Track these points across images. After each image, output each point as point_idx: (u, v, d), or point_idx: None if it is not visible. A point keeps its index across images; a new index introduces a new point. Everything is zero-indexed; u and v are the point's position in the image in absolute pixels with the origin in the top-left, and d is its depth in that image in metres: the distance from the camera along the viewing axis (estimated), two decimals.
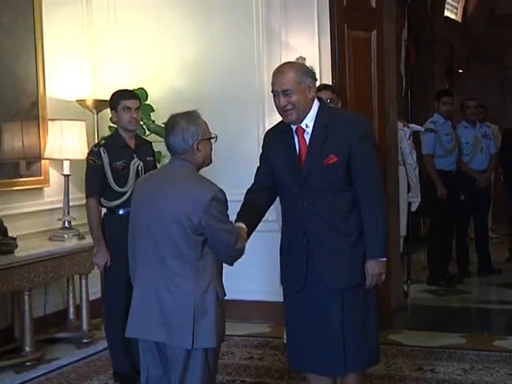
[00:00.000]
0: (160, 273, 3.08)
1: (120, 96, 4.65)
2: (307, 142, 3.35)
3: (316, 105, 3.38)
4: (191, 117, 3.15)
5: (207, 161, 3.22)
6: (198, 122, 3.13)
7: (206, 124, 3.20)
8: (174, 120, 3.15)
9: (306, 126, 3.36)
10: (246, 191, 3.57)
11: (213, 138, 3.20)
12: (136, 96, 4.72)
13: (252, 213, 3.44)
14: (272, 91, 3.33)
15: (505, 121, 10.22)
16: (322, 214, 3.32)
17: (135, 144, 4.66)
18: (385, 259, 3.40)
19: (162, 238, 3.06)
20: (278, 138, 3.45)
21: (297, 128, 3.37)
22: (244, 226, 3.35)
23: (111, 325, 4.60)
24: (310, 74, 3.36)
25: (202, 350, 3.07)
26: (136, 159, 4.61)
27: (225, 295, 3.17)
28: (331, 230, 3.33)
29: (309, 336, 3.40)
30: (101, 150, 4.58)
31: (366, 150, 3.34)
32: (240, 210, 3.46)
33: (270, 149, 3.48)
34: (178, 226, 3.00)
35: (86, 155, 5.76)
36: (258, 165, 3.59)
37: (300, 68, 3.35)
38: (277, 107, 3.35)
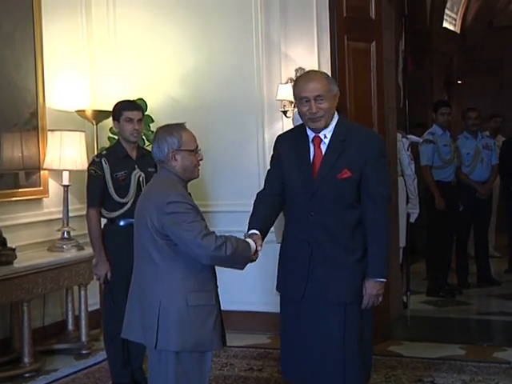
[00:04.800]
0: (139, 276, 3.27)
1: (123, 107, 4.63)
2: (323, 153, 3.35)
3: (336, 117, 3.42)
4: (172, 128, 3.27)
5: (188, 173, 3.26)
6: (176, 133, 3.22)
7: (191, 137, 3.27)
8: (156, 130, 3.34)
9: (324, 137, 3.37)
10: (256, 195, 3.56)
11: (191, 150, 3.22)
12: (139, 107, 4.70)
13: (264, 217, 3.43)
14: (300, 98, 3.32)
15: (503, 131, 10.23)
16: (330, 227, 3.32)
17: (137, 155, 4.65)
18: (384, 280, 3.40)
19: (139, 242, 3.25)
20: (291, 145, 3.45)
21: (314, 137, 3.38)
22: (256, 231, 3.34)
23: (110, 336, 4.59)
24: (335, 82, 3.43)
25: (172, 353, 3.15)
26: (137, 170, 4.60)
27: (211, 303, 3.20)
28: (337, 244, 3.33)
29: (307, 348, 3.38)
30: (102, 160, 4.57)
31: (378, 169, 3.36)
32: (252, 215, 3.45)
33: (282, 154, 3.47)
34: (146, 229, 3.16)
35: (85, 166, 5.79)
36: (269, 169, 3.58)
37: (327, 76, 3.43)
38: (302, 115, 3.35)
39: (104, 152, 4.74)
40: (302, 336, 3.40)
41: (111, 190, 4.53)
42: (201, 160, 3.30)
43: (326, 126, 3.35)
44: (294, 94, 3.42)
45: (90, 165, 4.71)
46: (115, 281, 4.50)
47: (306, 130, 3.43)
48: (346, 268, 3.34)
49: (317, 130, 3.36)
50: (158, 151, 3.23)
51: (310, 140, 3.39)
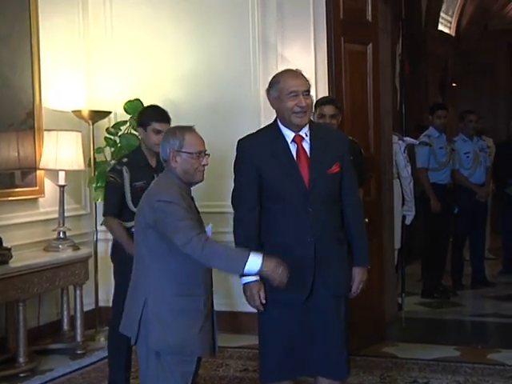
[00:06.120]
0: (134, 274, 3.29)
1: (152, 117, 4.39)
2: (307, 151, 3.36)
3: None
4: (177, 129, 3.26)
5: (188, 176, 3.21)
6: (179, 135, 3.19)
7: (195, 140, 3.21)
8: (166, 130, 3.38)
9: (306, 135, 3.38)
10: (238, 219, 3.43)
11: (191, 153, 3.17)
12: (169, 120, 4.44)
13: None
14: (288, 93, 3.30)
15: (497, 133, 10.26)
16: (327, 223, 3.36)
17: (156, 162, 4.43)
18: (369, 267, 3.58)
19: (136, 243, 3.27)
20: (267, 149, 3.38)
21: (295, 136, 3.37)
22: (257, 278, 3.31)
23: (115, 335, 4.52)
24: None
25: (152, 351, 3.13)
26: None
27: (199, 309, 3.14)
28: (333, 239, 3.39)
29: (309, 343, 3.37)
30: (123, 169, 4.38)
31: (350, 166, 3.51)
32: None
33: (258, 161, 3.36)
34: (140, 229, 3.18)
35: (81, 166, 5.78)
36: (239, 181, 3.44)
37: None
38: (286, 110, 3.31)
39: (125, 160, 4.50)
40: (308, 335, 3.37)
41: (128, 200, 4.35)
42: (205, 165, 3.23)
43: (307, 123, 3.38)
44: (278, 90, 3.34)
45: (110, 171, 4.52)
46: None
47: (280, 130, 3.40)
48: (342, 260, 3.43)
49: (300, 127, 3.35)
50: (162, 150, 3.23)
51: (291, 139, 3.37)
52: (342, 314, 3.43)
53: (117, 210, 4.40)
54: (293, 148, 3.37)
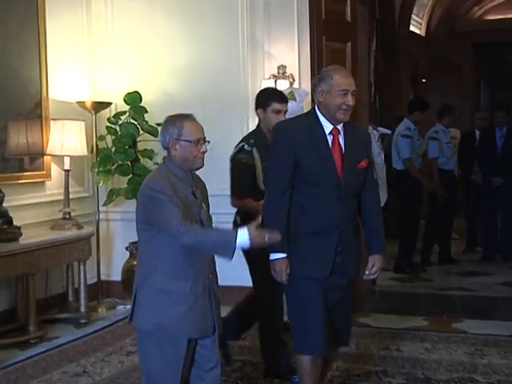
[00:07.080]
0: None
1: (272, 98, 4.17)
2: (342, 144, 3.34)
3: None
4: (176, 117, 3.09)
5: (188, 163, 3.06)
6: (178, 123, 3.04)
7: (194, 128, 3.06)
8: (165, 118, 3.17)
9: (341, 129, 3.36)
10: (270, 199, 3.38)
11: (189, 141, 3.03)
12: (287, 100, 4.24)
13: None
14: (340, 90, 3.24)
15: (462, 126, 10.33)
16: (350, 213, 3.38)
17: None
18: (385, 255, 3.56)
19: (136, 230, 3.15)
20: (305, 134, 3.31)
21: (333, 128, 3.33)
22: (285, 254, 3.34)
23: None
24: None
25: (141, 331, 3.06)
26: None
27: (184, 291, 2.99)
28: (352, 227, 3.41)
29: (333, 319, 3.44)
30: (253, 149, 4.10)
31: (372, 160, 3.53)
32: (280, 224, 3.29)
33: (296, 145, 3.30)
34: (136, 213, 3.07)
35: (85, 152, 5.80)
36: (274, 163, 3.40)
37: None
38: (333, 106, 3.26)
39: (252, 141, 4.16)
40: (330, 310, 3.42)
41: (259, 180, 4.06)
42: (204, 152, 3.07)
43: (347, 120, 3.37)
44: (329, 85, 3.26)
45: (237, 153, 4.17)
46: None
47: (318, 119, 3.33)
48: (358, 249, 3.45)
49: (341, 122, 3.33)
50: (162, 139, 3.10)
51: (329, 131, 3.33)
52: (351, 293, 3.55)
53: (250, 190, 4.11)
54: (329, 139, 3.33)
